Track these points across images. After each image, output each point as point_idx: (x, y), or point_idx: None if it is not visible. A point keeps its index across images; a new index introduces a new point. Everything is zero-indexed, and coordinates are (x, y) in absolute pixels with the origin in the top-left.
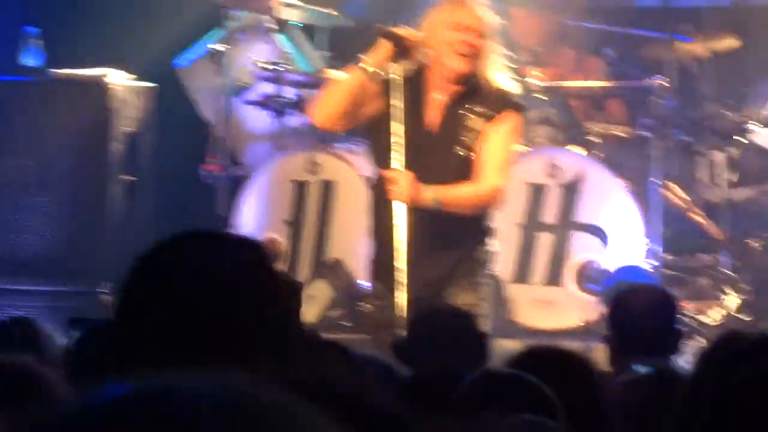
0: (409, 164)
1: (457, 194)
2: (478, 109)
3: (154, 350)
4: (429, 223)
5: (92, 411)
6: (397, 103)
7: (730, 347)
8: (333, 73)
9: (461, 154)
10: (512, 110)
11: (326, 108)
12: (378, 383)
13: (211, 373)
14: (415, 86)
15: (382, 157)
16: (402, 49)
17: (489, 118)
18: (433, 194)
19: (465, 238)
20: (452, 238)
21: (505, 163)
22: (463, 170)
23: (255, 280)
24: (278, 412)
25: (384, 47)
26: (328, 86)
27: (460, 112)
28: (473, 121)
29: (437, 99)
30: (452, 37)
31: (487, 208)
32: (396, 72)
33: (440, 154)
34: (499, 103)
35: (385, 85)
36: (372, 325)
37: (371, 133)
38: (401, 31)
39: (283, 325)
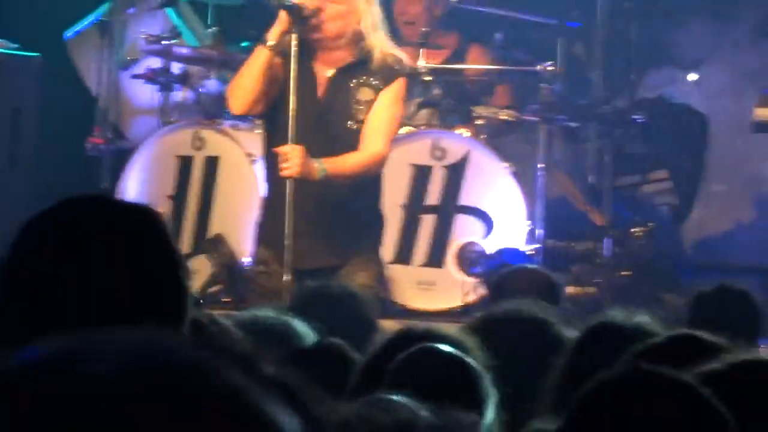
0: (301, 138)
1: (342, 164)
2: (369, 80)
3: (38, 317)
4: (321, 196)
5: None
6: (292, 75)
7: (602, 337)
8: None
9: (354, 127)
10: (401, 78)
11: (241, 94)
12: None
13: (118, 332)
14: (305, 58)
15: (277, 132)
16: (298, 19)
17: (379, 90)
18: (320, 166)
19: (359, 216)
20: (346, 215)
21: (388, 130)
22: (356, 144)
23: (150, 246)
24: (194, 365)
25: (281, 19)
26: (238, 72)
27: (351, 84)
28: (364, 93)
29: (326, 71)
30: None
31: (369, 174)
32: (293, 44)
33: (332, 129)
34: (389, 73)
35: (284, 59)
36: (255, 292)
37: (267, 108)
38: (296, 0)
39: (179, 292)
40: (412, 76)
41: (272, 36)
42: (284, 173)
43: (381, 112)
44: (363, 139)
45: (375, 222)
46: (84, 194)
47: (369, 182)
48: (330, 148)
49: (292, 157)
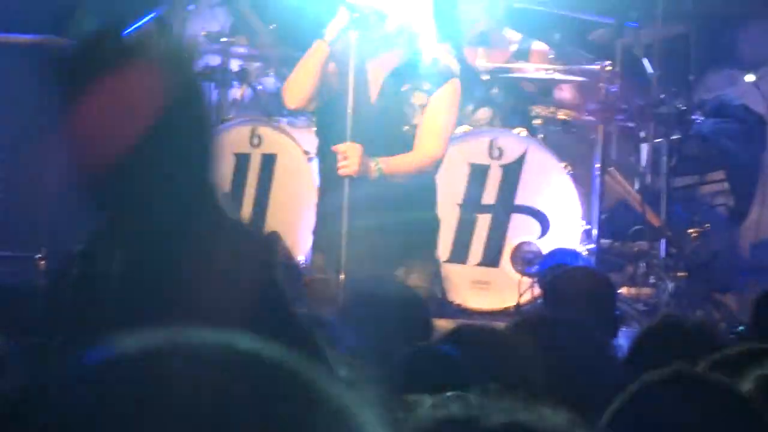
0: (355, 138)
1: (398, 164)
2: (421, 84)
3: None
4: (377, 199)
5: (96, 372)
6: (351, 73)
7: (663, 333)
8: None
9: (409, 131)
10: (452, 79)
11: (296, 89)
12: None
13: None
14: (360, 59)
15: (330, 133)
16: (359, 18)
17: (431, 94)
18: (376, 165)
19: (414, 218)
20: (402, 216)
21: (444, 131)
22: (409, 147)
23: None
24: (284, 368)
25: (341, 15)
26: (295, 67)
27: (403, 88)
28: (417, 97)
29: (379, 73)
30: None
31: (423, 173)
32: (352, 41)
33: (387, 132)
34: (441, 75)
35: (341, 57)
36: (310, 298)
37: (321, 105)
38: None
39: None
40: (467, 78)
41: (331, 32)
42: (342, 171)
43: (436, 114)
44: (418, 139)
45: (430, 223)
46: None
47: (424, 184)
48: (385, 151)
49: (351, 156)
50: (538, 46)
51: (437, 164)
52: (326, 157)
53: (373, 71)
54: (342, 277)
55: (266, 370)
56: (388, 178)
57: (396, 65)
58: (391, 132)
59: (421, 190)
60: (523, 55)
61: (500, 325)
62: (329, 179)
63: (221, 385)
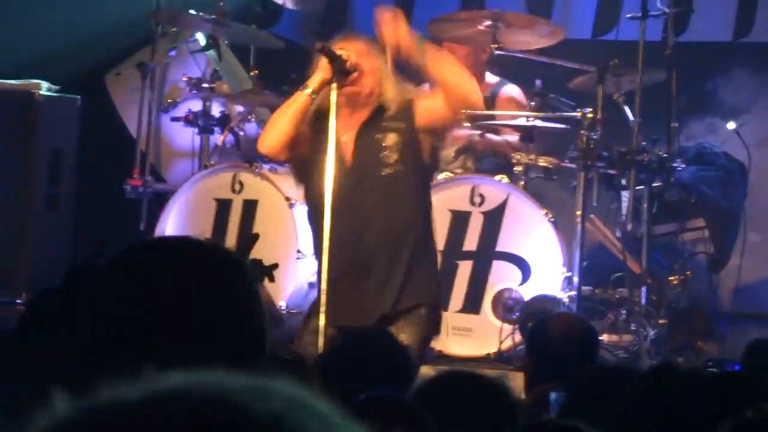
0: (337, 195)
1: (449, 60)
2: (390, 125)
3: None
4: (374, 245)
5: (102, 418)
6: (331, 123)
7: (660, 379)
8: (262, 92)
9: (388, 172)
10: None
11: (272, 134)
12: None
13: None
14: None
15: (312, 187)
16: (339, 70)
17: (400, 130)
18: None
19: (412, 261)
20: (386, 271)
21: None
22: (393, 189)
23: (229, 286)
24: (298, 407)
25: (323, 67)
26: (273, 114)
27: (376, 136)
28: (389, 138)
29: (349, 133)
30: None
31: (465, 100)
32: (333, 93)
33: (368, 181)
34: (404, 106)
35: (320, 109)
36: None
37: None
38: (340, 51)
39: (257, 330)
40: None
41: (313, 83)
42: (384, 33)
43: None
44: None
45: (430, 278)
46: (167, 237)
47: (409, 234)
48: (367, 197)
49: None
50: (507, 92)
51: (473, 104)
52: (314, 212)
53: (342, 131)
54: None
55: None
56: (428, 62)
57: (364, 119)
58: (371, 180)
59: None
60: (491, 100)
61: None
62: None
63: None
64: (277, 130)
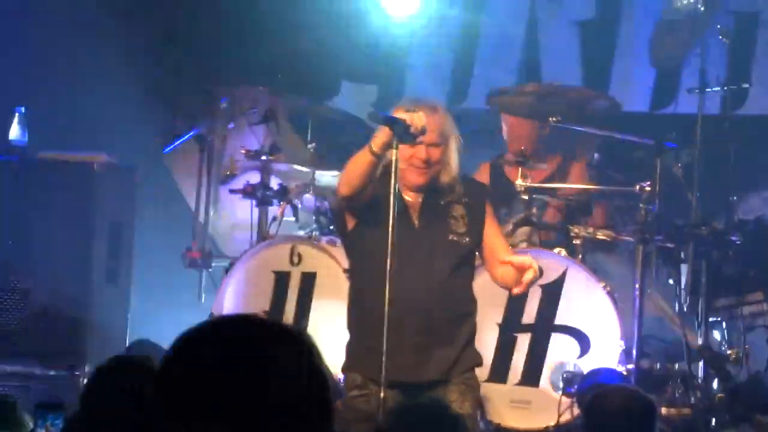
0: (401, 260)
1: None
2: (455, 197)
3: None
4: (424, 311)
5: None
6: (393, 182)
7: None
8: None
9: (455, 239)
10: (486, 196)
11: (348, 182)
12: None
13: None
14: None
15: (368, 249)
16: (402, 134)
17: (467, 204)
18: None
19: (461, 332)
20: (448, 331)
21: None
22: (459, 254)
23: (301, 367)
24: None
25: (383, 132)
26: (349, 162)
27: (442, 203)
28: (456, 209)
29: (414, 195)
30: (408, 152)
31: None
32: (394, 157)
33: (435, 244)
34: (478, 191)
35: (383, 170)
36: (354, 418)
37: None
38: (402, 115)
39: (326, 413)
40: (509, 196)
41: (376, 144)
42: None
43: (500, 236)
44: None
45: (473, 344)
46: (239, 314)
47: (469, 301)
48: (434, 259)
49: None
50: (578, 167)
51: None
52: (359, 275)
53: (407, 193)
54: (382, 395)
55: None
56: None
57: (424, 185)
58: (438, 242)
59: (465, 306)
60: (563, 174)
61: None
62: (364, 290)
63: None
64: (350, 178)
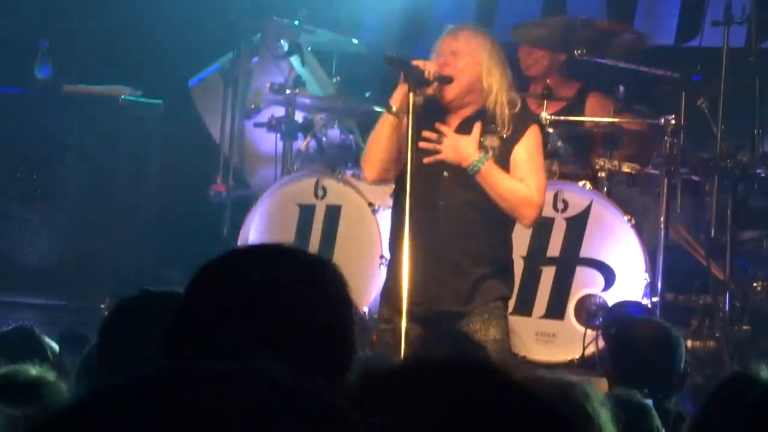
0: (426, 188)
1: (499, 176)
2: (492, 127)
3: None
4: (448, 245)
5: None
6: (409, 131)
7: (738, 387)
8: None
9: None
10: (533, 125)
11: (372, 162)
12: None
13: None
14: (433, 115)
15: (402, 187)
16: (417, 80)
17: (501, 136)
18: (478, 158)
19: (479, 263)
20: (472, 264)
21: (540, 180)
22: (476, 185)
23: (326, 297)
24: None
25: (402, 83)
26: (368, 140)
27: (475, 132)
28: (490, 140)
29: (452, 125)
30: (436, 65)
31: (519, 214)
32: (410, 103)
33: (461, 174)
34: (519, 122)
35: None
36: (382, 349)
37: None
38: (416, 61)
39: (347, 344)
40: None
41: (395, 100)
42: (438, 157)
43: (529, 161)
44: (523, 178)
45: (507, 271)
46: (265, 245)
47: (502, 231)
48: (460, 189)
49: (449, 140)
50: (595, 96)
51: (532, 210)
52: (397, 214)
53: (444, 125)
54: (404, 325)
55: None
56: (480, 181)
57: (467, 115)
58: (465, 174)
59: (498, 235)
60: (579, 105)
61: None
62: (400, 227)
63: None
64: (373, 157)
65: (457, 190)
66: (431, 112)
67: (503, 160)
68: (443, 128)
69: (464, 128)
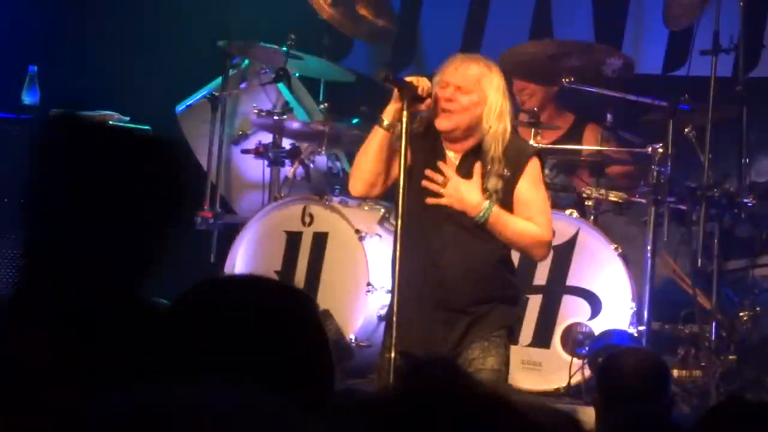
0: (429, 209)
1: (509, 220)
2: (494, 167)
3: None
4: (456, 290)
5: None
6: (403, 151)
7: (730, 412)
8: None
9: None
10: (533, 157)
11: (359, 175)
12: None
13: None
14: (432, 139)
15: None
16: (412, 97)
17: (503, 176)
18: (487, 206)
19: (490, 301)
20: (479, 303)
21: (547, 216)
22: (479, 227)
23: (299, 328)
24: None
25: (395, 97)
26: (357, 156)
27: (478, 171)
28: (490, 181)
29: (454, 154)
30: (438, 95)
31: (531, 254)
32: (404, 121)
33: (462, 220)
34: (518, 155)
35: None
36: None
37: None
38: (409, 78)
39: (325, 374)
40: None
41: (387, 115)
42: (438, 201)
43: (537, 196)
44: (530, 217)
45: (513, 298)
46: (239, 275)
47: (508, 263)
48: (456, 232)
49: (453, 187)
50: (592, 128)
51: (542, 249)
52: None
53: (449, 149)
54: (391, 356)
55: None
56: (489, 227)
57: (467, 148)
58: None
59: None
60: (577, 135)
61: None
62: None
63: None
64: (361, 171)
65: (462, 233)
66: (430, 140)
67: (506, 199)
68: (445, 169)
69: (464, 166)
